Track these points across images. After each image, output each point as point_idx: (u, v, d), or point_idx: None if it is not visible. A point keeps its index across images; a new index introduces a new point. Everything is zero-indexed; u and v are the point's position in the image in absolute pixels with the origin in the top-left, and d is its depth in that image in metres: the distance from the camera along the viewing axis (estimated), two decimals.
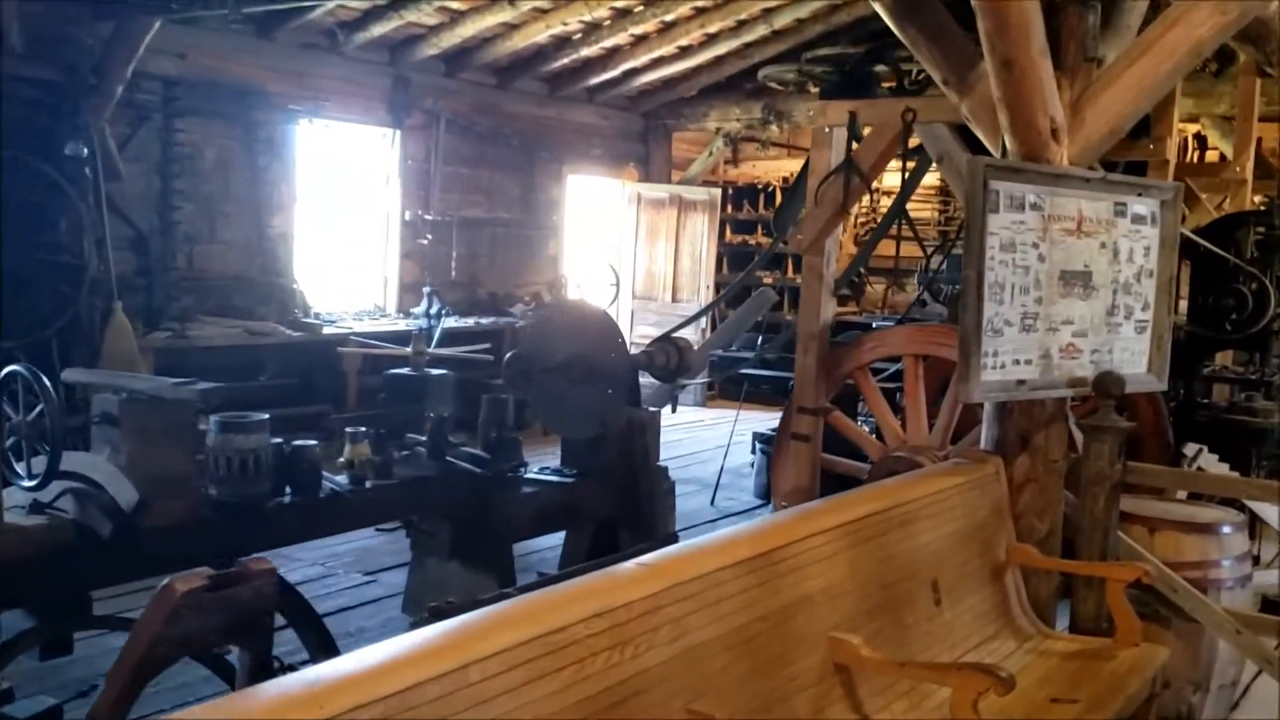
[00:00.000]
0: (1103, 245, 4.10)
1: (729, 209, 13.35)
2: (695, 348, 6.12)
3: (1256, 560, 6.57)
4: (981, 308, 3.73)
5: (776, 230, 6.08)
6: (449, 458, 4.76)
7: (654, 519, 5.67)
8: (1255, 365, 6.25)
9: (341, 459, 4.31)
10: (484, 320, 10.06)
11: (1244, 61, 7.68)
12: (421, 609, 5.36)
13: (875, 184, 13.09)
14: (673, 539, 6.02)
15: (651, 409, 5.86)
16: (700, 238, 12.51)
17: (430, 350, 7.46)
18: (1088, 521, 4.01)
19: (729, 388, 11.57)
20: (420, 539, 4.87)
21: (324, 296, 9.55)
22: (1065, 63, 3.95)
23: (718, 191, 12.89)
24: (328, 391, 8.73)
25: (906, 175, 5.23)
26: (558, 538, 5.87)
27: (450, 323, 9.56)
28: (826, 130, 5.01)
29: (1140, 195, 4.20)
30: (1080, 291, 4.05)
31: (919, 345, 5.13)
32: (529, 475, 5.18)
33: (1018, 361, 3.89)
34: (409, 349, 7.32)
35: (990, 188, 3.73)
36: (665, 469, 5.87)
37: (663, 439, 10.54)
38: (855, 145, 4.90)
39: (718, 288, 12.42)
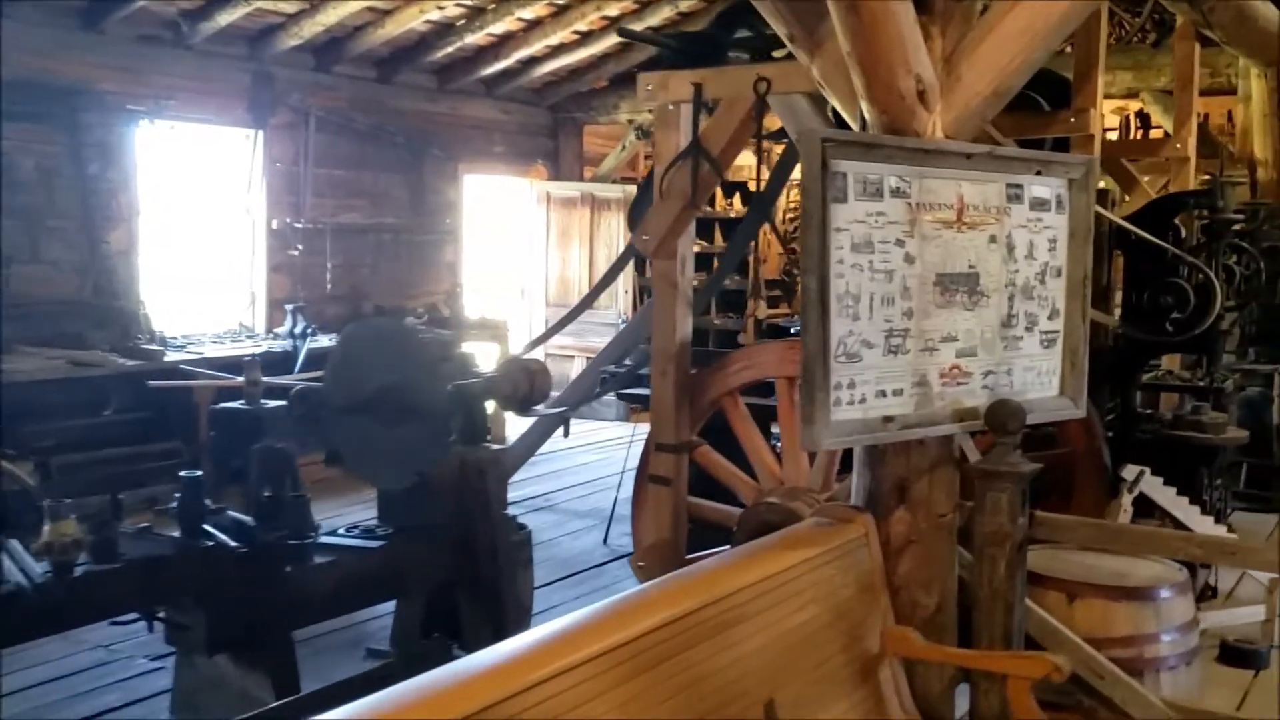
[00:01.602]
0: (993, 239, 3.22)
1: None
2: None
3: (1213, 592, 5.73)
4: (827, 326, 2.84)
5: (631, 229, 5.17)
6: (208, 527, 3.82)
7: (499, 583, 4.74)
8: (1203, 371, 5.41)
9: (38, 541, 3.35)
10: None
11: (1181, 25, 6.85)
12: (195, 712, 4.43)
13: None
14: (523, 612, 5.14)
15: (496, 445, 4.93)
16: (617, 239, 11.57)
17: (266, 380, 6.49)
18: (985, 594, 3.13)
19: None
20: (175, 633, 3.92)
21: (177, 319, 8.56)
22: (934, 6, 3.07)
23: (634, 189, 11.97)
24: (179, 427, 7.74)
25: (766, 162, 4.33)
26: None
27: (323, 342, 8.59)
28: (670, 107, 4.11)
29: (1040, 174, 3.32)
30: (965, 299, 3.16)
31: (793, 365, 4.22)
32: (326, 540, 4.24)
33: (883, 393, 3.00)
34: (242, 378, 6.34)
35: (833, 169, 2.83)
36: (514, 520, 4.94)
37: (569, 462, 9.69)
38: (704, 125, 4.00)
39: (641, 293, 11.51)
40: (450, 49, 9.79)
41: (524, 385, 5.03)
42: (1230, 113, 9.15)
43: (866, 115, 3.14)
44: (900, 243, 2.99)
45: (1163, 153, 6.80)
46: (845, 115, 3.31)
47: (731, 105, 3.95)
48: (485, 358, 7.86)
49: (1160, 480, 5.00)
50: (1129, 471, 4.97)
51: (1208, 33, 6.44)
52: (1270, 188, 8.23)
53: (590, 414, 10.78)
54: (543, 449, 8.20)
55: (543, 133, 11.71)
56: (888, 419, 3.00)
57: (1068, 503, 5.20)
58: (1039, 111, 5.30)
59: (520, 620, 4.93)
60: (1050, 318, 3.41)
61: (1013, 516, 3.10)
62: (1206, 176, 5.10)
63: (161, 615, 3.84)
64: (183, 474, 3.86)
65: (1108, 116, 10.09)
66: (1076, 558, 3.57)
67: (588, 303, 4.65)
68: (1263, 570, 3.81)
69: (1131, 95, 9.06)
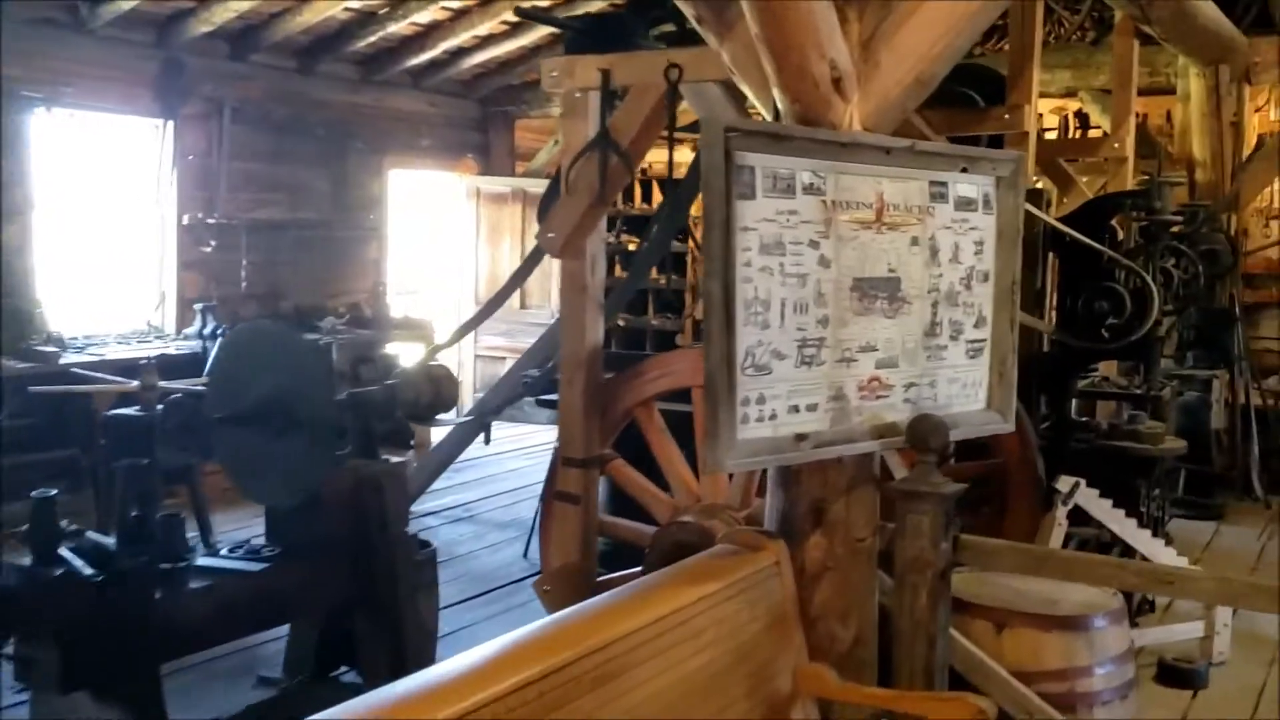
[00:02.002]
0: (915, 241, 2.97)
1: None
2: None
3: (1151, 606, 5.55)
4: (733, 336, 2.56)
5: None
6: (64, 552, 3.47)
7: (398, 607, 4.43)
8: (1140, 378, 5.23)
9: None
10: None
11: (1120, 21, 6.68)
12: None
13: None
14: (426, 637, 4.82)
15: (396, 459, 4.61)
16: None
17: (164, 384, 6.10)
18: (906, 625, 2.88)
19: None
20: (25, 669, 3.56)
21: (80, 319, 8.12)
22: None
23: None
24: (77, 434, 7.31)
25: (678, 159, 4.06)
26: None
27: None
28: (577, 95, 3.82)
29: (966, 171, 3.07)
30: (885, 306, 2.91)
31: None
32: (203, 563, 3.91)
33: (796, 408, 2.73)
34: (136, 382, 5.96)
35: (739, 162, 2.56)
36: (416, 538, 4.63)
37: (495, 469, 9.35)
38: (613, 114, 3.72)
39: None
40: (373, 39, 9.41)
41: (427, 393, 4.72)
42: (1169, 113, 9.03)
43: (779, 104, 2.87)
44: (814, 244, 2.73)
45: (1100, 152, 6.63)
46: (758, 104, 3.05)
47: (642, 93, 3.67)
48: (410, 360, 7.53)
49: (1096, 492, 4.79)
50: (1063, 483, 4.76)
51: (1147, 29, 6.27)
52: (1209, 189, 8.12)
53: (522, 417, 10.46)
54: (468, 455, 7.90)
55: (472, 126, 11.35)
56: (800, 436, 2.73)
57: (1001, 515, 4.99)
58: (973, 108, 5.09)
59: (423, 645, 4.62)
60: (977, 326, 3.17)
61: (935, 541, 2.85)
62: (1144, 177, 4.91)
63: (8, 651, 3.48)
64: (34, 494, 3.50)
65: (1046, 116, 9.95)
66: (1006, 580, 3.34)
67: (494, 306, 4.35)
68: (1200, 600, 3.61)
69: (1070, 94, 8.92)
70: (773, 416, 2.68)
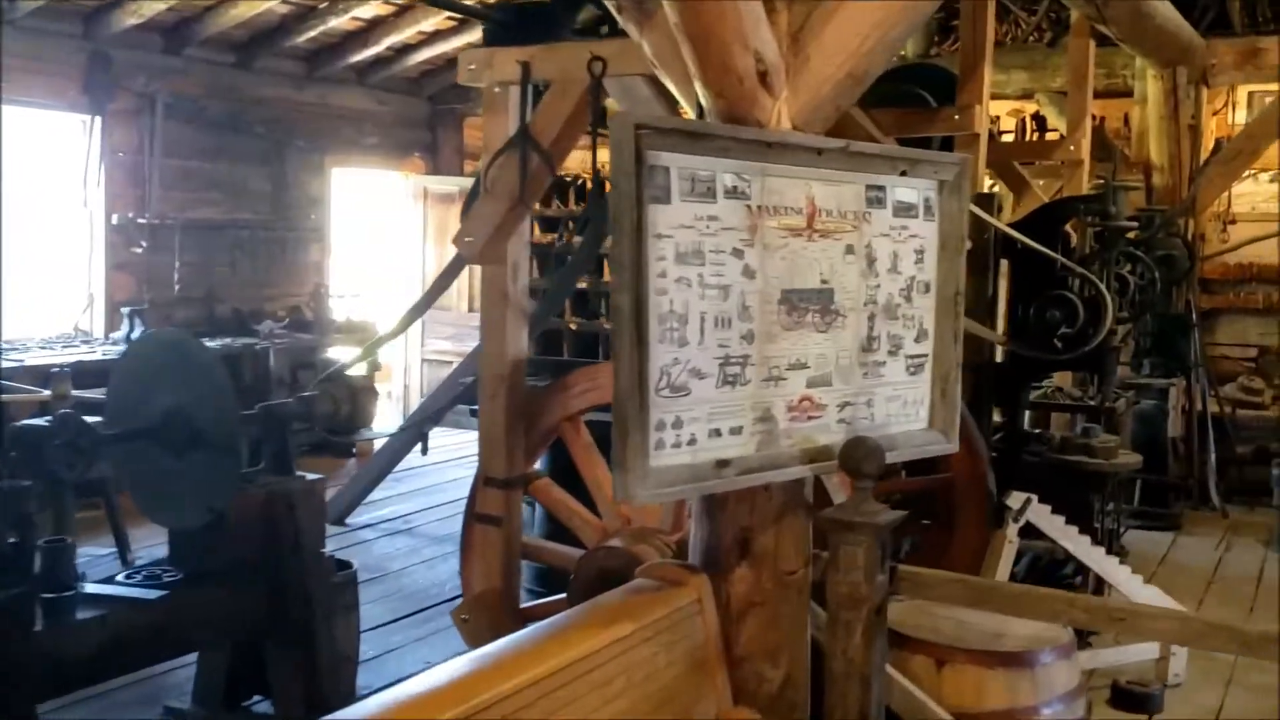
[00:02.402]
0: (850, 249, 2.75)
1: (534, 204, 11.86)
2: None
3: None
4: (645, 353, 2.33)
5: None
6: None
7: (313, 632, 4.17)
8: (1094, 389, 5.05)
9: None
10: (216, 343, 8.37)
11: (1076, 21, 6.51)
12: None
13: None
14: (344, 663, 4.56)
15: (311, 476, 4.34)
16: None
17: (76, 393, 5.80)
18: (839, 665, 2.66)
19: None
20: None
21: (3, 322, 7.76)
22: None
23: None
24: None
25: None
26: None
27: None
28: (497, 90, 3.58)
29: (905, 174, 2.86)
30: (817, 319, 2.69)
31: None
32: (95, 591, 3.62)
33: (718, 432, 2.50)
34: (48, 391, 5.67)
35: (651, 162, 2.32)
36: (332, 559, 4.37)
37: (437, 479, 9.04)
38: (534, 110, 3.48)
39: (531, 294, 10.91)
40: (314, 34, 9.13)
41: (345, 405, 4.48)
42: (1127, 115, 8.91)
43: (702, 101, 2.65)
44: (738, 253, 2.50)
45: (1055, 155, 6.46)
46: (682, 100, 2.82)
47: (564, 88, 3.43)
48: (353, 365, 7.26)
49: (1048, 508, 4.60)
50: (1014, 499, 4.57)
51: (1103, 29, 6.11)
52: (1166, 193, 7.99)
53: (470, 424, 10.20)
54: (409, 464, 7.63)
55: (420, 124, 11.07)
56: (723, 463, 2.50)
57: (951, 532, 4.80)
58: (923, 108, 4.89)
59: (341, 673, 4.36)
60: (918, 340, 2.96)
61: (870, 575, 2.63)
62: (1099, 181, 4.72)
63: None
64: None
65: (1003, 119, 9.81)
66: (950, 610, 3.13)
67: (416, 314, 4.10)
68: (1155, 640, 3.42)
69: (1026, 96, 8.77)
70: (691, 441, 2.45)
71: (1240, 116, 9.19)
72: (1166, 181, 7.91)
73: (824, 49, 2.56)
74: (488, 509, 3.73)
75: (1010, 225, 4.63)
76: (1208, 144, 8.87)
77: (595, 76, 3.25)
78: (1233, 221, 9.23)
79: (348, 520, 7.33)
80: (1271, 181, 9.34)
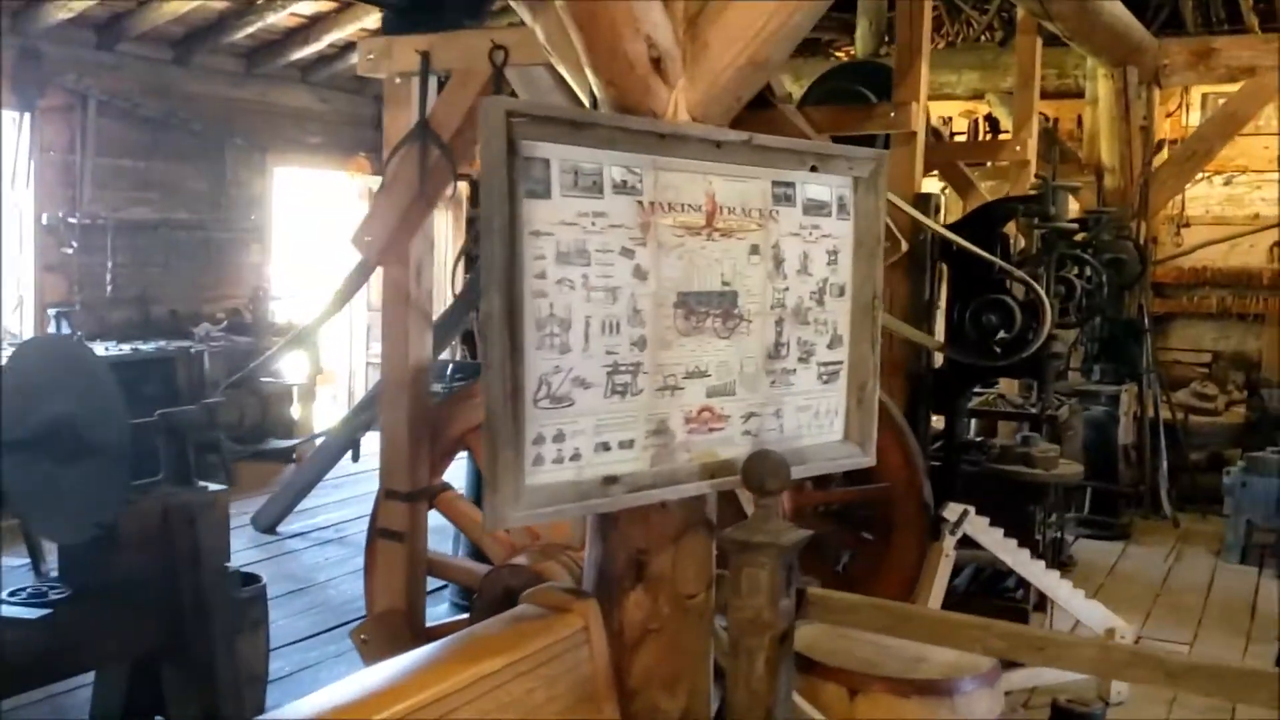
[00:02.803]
0: (755, 250, 2.58)
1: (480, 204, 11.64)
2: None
3: None
4: (520, 361, 2.14)
5: None
6: None
7: (212, 652, 3.96)
8: (1034, 397, 4.91)
9: None
10: (150, 346, 8.12)
11: (1023, 19, 6.38)
12: None
13: None
14: (253, 681, 4.35)
15: (214, 487, 4.12)
16: (444, 239, 10.77)
17: None
18: (741, 696, 2.48)
19: None
20: None
21: None
22: None
23: (464, 184, 11.17)
24: None
25: None
26: None
27: (98, 351, 7.62)
28: (398, 81, 3.39)
29: (816, 170, 2.69)
30: (718, 325, 2.51)
31: None
32: None
33: (606, 446, 2.32)
34: None
35: (526, 154, 2.14)
36: (237, 573, 4.16)
37: (373, 485, 8.78)
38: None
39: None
40: (252, 29, 8.87)
41: (254, 413, 4.26)
42: (1081, 117, 8.81)
43: (595, 90, 2.46)
44: (628, 252, 2.32)
45: (1001, 156, 6.33)
46: (577, 89, 2.64)
47: (465, 79, 3.24)
48: (293, 368, 7.03)
49: (986, 520, 4.46)
50: (951, 511, 4.42)
51: (1050, 26, 5.99)
52: (1117, 195, 7.89)
53: None
54: (345, 470, 7.40)
55: (366, 123, 10.81)
56: (611, 479, 2.32)
57: (888, 544, 4.65)
58: (857, 105, 4.74)
59: (243, 693, 4.15)
60: (831, 346, 2.79)
61: (774, 599, 2.46)
62: (1037, 178, 4.57)
63: None
64: None
65: (956, 119, 9.70)
66: (865, 635, 2.96)
67: (321, 322, 3.89)
68: (1077, 671, 3.28)
69: (978, 96, 8.65)
70: (575, 456, 2.26)
71: (1194, 118, 9.11)
72: (1118, 183, 7.81)
73: (723, 34, 2.39)
74: (390, 524, 3.53)
75: (948, 227, 4.48)
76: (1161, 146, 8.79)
77: (496, 66, 3.06)
78: (1186, 225, 9.16)
79: (279, 529, 7.11)
80: (1226, 184, 9.27)
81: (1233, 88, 8.08)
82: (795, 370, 2.70)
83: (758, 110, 4.60)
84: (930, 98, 9.27)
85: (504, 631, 2.30)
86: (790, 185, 2.65)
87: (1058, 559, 6.53)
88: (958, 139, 9.15)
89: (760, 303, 2.60)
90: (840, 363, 2.81)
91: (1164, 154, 8.50)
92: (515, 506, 2.12)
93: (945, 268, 4.58)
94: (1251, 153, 9.15)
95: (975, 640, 2.45)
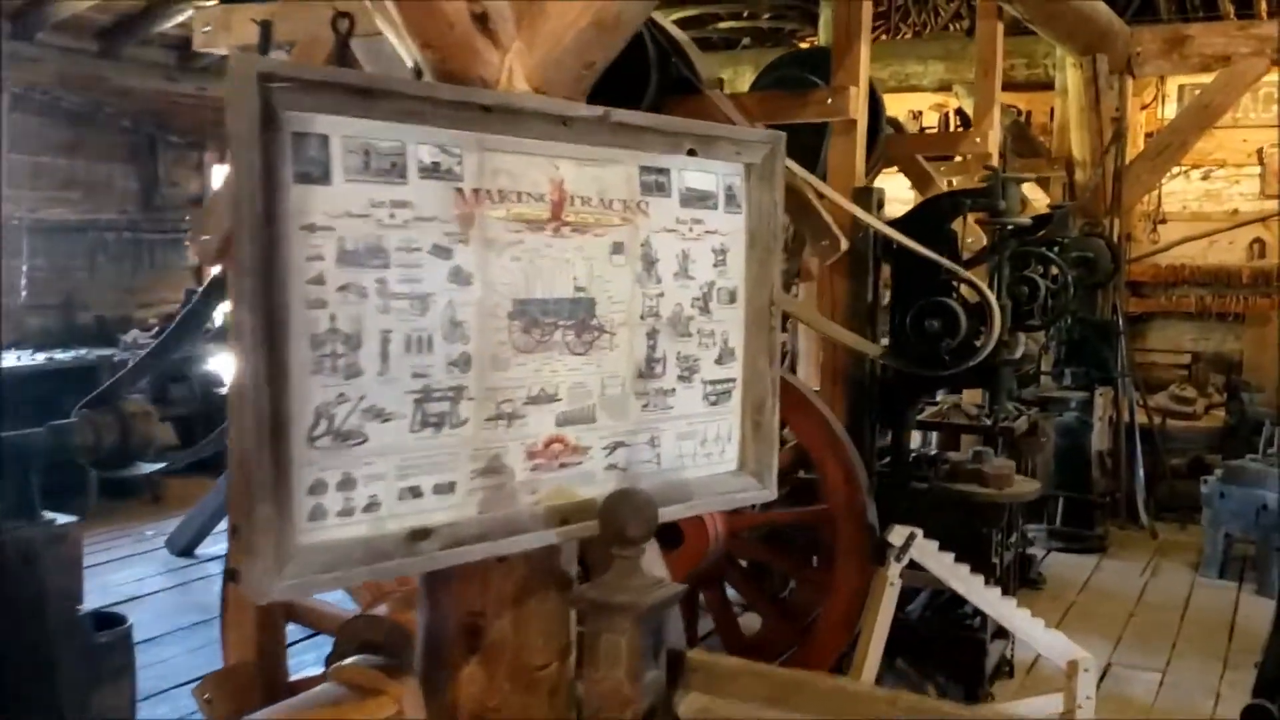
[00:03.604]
0: (618, 248, 2.14)
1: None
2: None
3: (1010, 669, 4.85)
4: (285, 389, 1.70)
5: None
6: None
7: (58, 706, 3.52)
8: (987, 409, 4.50)
9: None
10: (68, 355, 7.67)
11: (981, 3, 5.96)
12: None
13: None
14: None
15: (61, 519, 3.68)
16: None
17: None
18: None
19: None
20: None
21: None
22: None
23: None
24: None
25: None
26: None
27: (9, 360, 7.18)
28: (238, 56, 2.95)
29: (695, 154, 2.25)
30: (571, 338, 2.08)
31: None
32: None
33: (415, 491, 1.88)
34: None
35: (295, 128, 1.70)
36: (90, 617, 3.72)
37: None
38: None
39: None
40: (184, 18, 8.41)
41: (111, 435, 3.81)
42: (1054, 109, 8.40)
43: (416, 57, 2.03)
44: (444, 251, 1.88)
45: (960, 148, 5.90)
46: (405, 57, 2.20)
47: (307, 50, 2.81)
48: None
49: (935, 544, 4.03)
50: (896, 535, 4.00)
51: (1009, 8, 5.58)
52: (1089, 191, 7.48)
53: None
54: None
55: None
56: (422, 533, 1.88)
57: (830, 571, 4.23)
58: (792, 90, 4.32)
59: None
60: (720, 361, 2.36)
61: (635, 671, 2.02)
62: (985, 169, 4.16)
63: None
64: None
65: (927, 113, 9.29)
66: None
67: (174, 340, 3.45)
68: None
69: (945, 88, 8.24)
70: (372, 506, 1.83)
71: (1171, 111, 8.72)
72: (1089, 178, 7.40)
73: None
74: (240, 564, 3.08)
75: (890, 223, 4.06)
76: (1136, 139, 8.40)
77: (340, 36, 2.63)
78: (1163, 221, 8.78)
79: (197, 552, 6.66)
80: (1204, 179, 8.88)
81: (1209, 78, 7.68)
82: (674, 390, 2.27)
83: (681, 97, 4.19)
84: (896, 89, 8.91)
85: None
86: (664, 172, 2.22)
87: (1026, 576, 6.13)
88: (929, 133, 8.73)
89: (627, 311, 2.16)
90: (732, 380, 2.38)
91: (1139, 147, 8.10)
92: (278, 575, 1.69)
93: (889, 267, 4.16)
94: (1230, 146, 8.78)
95: (877, 711, 2.02)
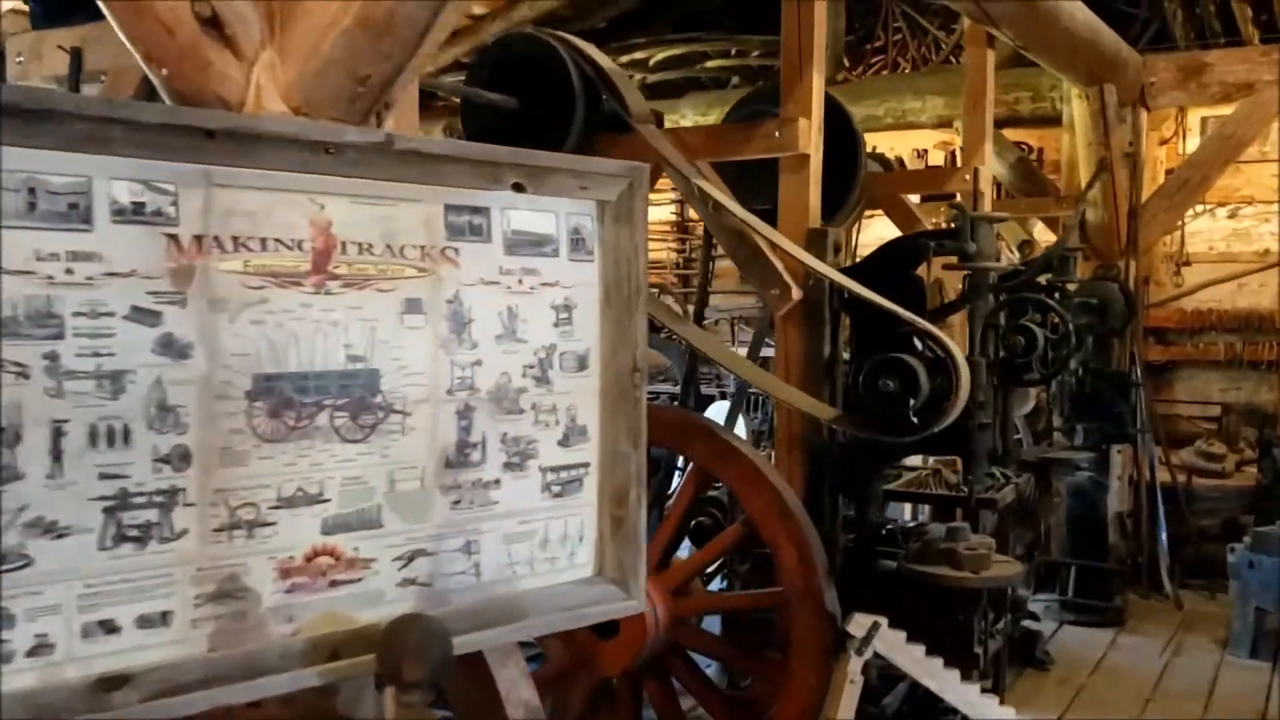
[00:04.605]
0: (413, 307, 1.72)
1: None
2: None
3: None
4: None
5: None
6: None
7: None
8: (961, 478, 4.01)
9: None
10: None
11: (969, 27, 5.52)
12: None
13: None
14: None
15: None
16: None
17: None
18: None
19: None
20: None
21: None
22: None
23: None
24: None
25: None
26: None
27: None
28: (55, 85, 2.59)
29: (523, 190, 1.83)
30: (344, 422, 1.65)
31: None
32: None
33: (108, 626, 1.46)
34: None
35: None
36: None
37: None
38: None
39: None
40: None
41: None
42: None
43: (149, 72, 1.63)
44: (149, 316, 1.47)
45: (949, 185, 5.44)
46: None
47: (118, 79, 2.43)
48: None
49: (903, 635, 3.53)
50: (857, 624, 3.51)
51: (994, 32, 5.14)
52: (1101, 232, 6.99)
53: None
54: None
55: None
56: (116, 680, 1.45)
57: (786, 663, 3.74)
58: (742, 124, 3.91)
59: None
60: (566, 443, 1.92)
61: None
62: (949, 208, 3.70)
63: None
64: None
65: (932, 152, 8.84)
66: None
67: None
68: None
69: (945, 124, 7.78)
70: (40, 649, 1.40)
71: (1193, 145, 8.20)
72: (1102, 218, 6.91)
73: None
74: None
75: (847, 269, 3.61)
76: (1156, 176, 7.89)
77: (76, 58, 2.25)
78: (1187, 263, 8.22)
79: None
80: (1230, 217, 8.35)
81: (1233, 109, 7.18)
82: (499, 481, 1.83)
83: (612, 134, 3.79)
84: (894, 127, 8.48)
85: None
86: (480, 212, 1.80)
87: (1031, 655, 5.59)
88: (913, 171, 8.26)
89: (427, 385, 1.73)
90: (582, 467, 1.94)
91: (1159, 184, 7.59)
92: None
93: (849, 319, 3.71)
94: (1258, 182, 8.22)
95: None
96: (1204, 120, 8.24)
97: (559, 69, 3.71)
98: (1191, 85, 6.84)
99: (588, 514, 1.95)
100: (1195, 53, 7.08)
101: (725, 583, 4.71)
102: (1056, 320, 5.19)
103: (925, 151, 8.82)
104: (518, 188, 1.82)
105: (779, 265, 3.64)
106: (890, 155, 8.86)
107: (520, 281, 1.84)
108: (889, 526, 4.37)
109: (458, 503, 1.78)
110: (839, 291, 3.63)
